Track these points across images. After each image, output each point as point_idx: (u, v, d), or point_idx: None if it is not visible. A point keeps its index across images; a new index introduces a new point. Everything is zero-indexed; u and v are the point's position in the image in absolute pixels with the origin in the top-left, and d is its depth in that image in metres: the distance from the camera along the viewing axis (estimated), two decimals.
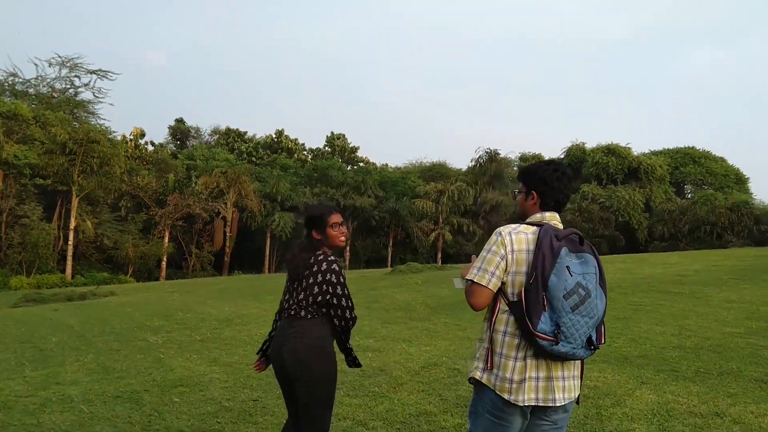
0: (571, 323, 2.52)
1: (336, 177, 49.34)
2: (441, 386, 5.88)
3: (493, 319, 2.68)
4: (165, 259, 42.19)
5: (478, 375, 2.70)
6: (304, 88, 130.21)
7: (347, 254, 48.00)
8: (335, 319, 3.54)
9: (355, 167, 58.45)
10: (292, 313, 3.50)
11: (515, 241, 2.66)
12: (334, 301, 3.50)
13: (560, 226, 2.77)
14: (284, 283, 3.66)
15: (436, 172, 58.38)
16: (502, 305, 2.67)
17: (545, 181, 2.80)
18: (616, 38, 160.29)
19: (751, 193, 57.68)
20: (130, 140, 51.91)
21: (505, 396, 2.60)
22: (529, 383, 2.60)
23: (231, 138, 60.00)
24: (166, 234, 42.18)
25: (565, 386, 2.67)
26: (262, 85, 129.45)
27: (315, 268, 3.51)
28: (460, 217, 45.95)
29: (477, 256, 2.80)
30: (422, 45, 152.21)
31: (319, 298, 3.48)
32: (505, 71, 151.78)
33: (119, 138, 49.71)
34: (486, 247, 2.72)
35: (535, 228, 2.71)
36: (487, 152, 46.52)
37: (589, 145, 56.04)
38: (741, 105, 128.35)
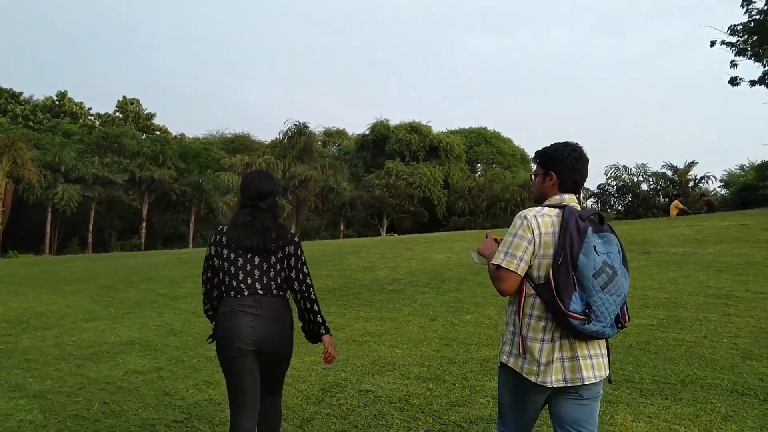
0: (601, 302, 2.58)
1: (130, 146, 45.74)
2: (361, 418, 4.47)
3: (521, 303, 2.73)
4: None
5: (504, 359, 2.79)
6: (90, 46, 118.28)
7: (143, 231, 44.14)
8: (300, 298, 3.55)
9: (152, 136, 53.92)
10: (261, 291, 3.40)
11: (541, 224, 2.70)
12: (301, 277, 3.52)
13: (578, 207, 2.79)
14: (218, 257, 3.47)
15: (240, 144, 56.28)
16: (528, 289, 2.73)
17: (564, 161, 2.83)
18: (402, 19, 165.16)
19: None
20: None
21: (532, 379, 2.67)
22: (556, 365, 2.67)
23: (3, 99, 52.32)
24: None
25: (594, 364, 2.72)
26: (39, 41, 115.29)
27: (285, 243, 3.47)
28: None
29: (490, 235, 2.99)
30: (218, 17, 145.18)
31: (285, 274, 3.48)
32: (309, 46, 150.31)
33: None
34: (511, 231, 2.74)
35: (557, 210, 2.73)
36: (296, 125, 45.43)
37: (393, 122, 56.94)
38: (519, 88, 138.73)
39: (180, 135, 58.41)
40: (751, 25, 23.05)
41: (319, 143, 59.46)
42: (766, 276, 8.79)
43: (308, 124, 47.35)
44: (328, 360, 3.62)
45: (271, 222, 3.47)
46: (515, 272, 2.67)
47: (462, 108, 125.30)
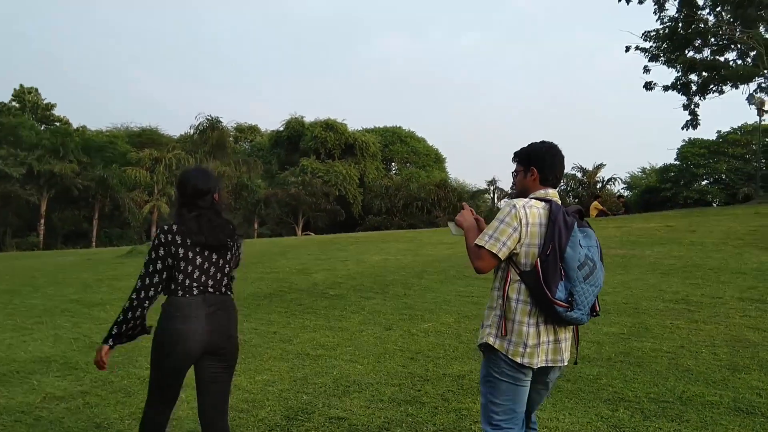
0: (582, 292, 2.75)
1: (28, 137, 42.76)
2: None
3: (506, 288, 2.85)
4: None
5: (491, 341, 2.85)
6: None
7: (41, 228, 41.30)
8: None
9: (51, 127, 50.68)
10: (211, 290, 3.23)
11: (529, 215, 2.82)
12: (234, 274, 3.48)
13: (559, 202, 2.94)
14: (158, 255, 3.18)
15: (147, 138, 53.93)
16: (513, 275, 2.85)
17: (543, 157, 3.00)
18: (320, 16, 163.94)
19: (448, 172, 62.61)
20: None
21: (518, 359, 2.79)
22: (541, 347, 2.82)
23: None
24: None
25: (566, 347, 2.92)
26: None
27: (234, 240, 3.39)
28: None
29: (466, 206, 3.22)
30: (120, 7, 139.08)
31: (234, 272, 3.45)
32: (217, 41, 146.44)
33: None
34: (499, 216, 2.86)
35: (544, 203, 2.88)
36: (208, 119, 43.77)
37: (308, 119, 55.92)
38: (431, 89, 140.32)
39: (82, 127, 55.12)
40: (666, 31, 23.77)
41: (231, 139, 57.69)
42: (714, 279, 8.72)
43: (221, 119, 45.84)
44: None
45: (218, 219, 3.32)
46: (497, 255, 2.80)
47: (376, 107, 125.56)
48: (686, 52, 24.16)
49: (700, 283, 8.55)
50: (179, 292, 3.16)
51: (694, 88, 24.55)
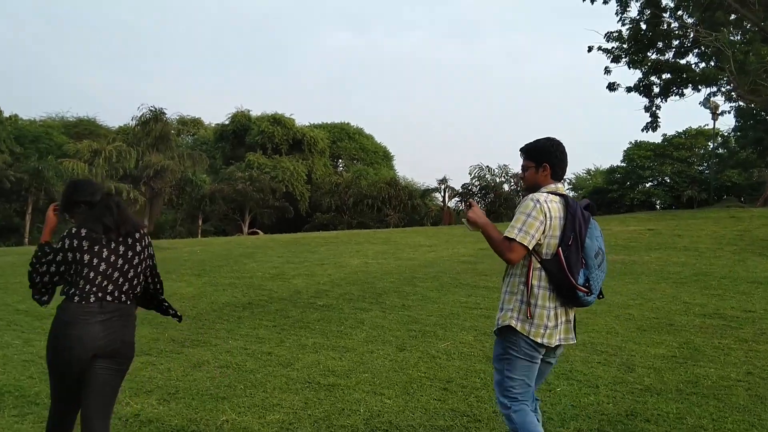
0: (596, 278, 3.05)
1: None
2: None
3: (530, 275, 3.06)
4: None
5: (513, 323, 3.06)
6: None
7: None
8: (154, 295, 3.57)
9: None
10: (108, 298, 3.18)
11: (551, 209, 3.06)
12: (158, 278, 3.55)
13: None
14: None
15: (85, 129, 51.30)
16: (535, 263, 3.06)
17: (554, 153, 3.21)
18: (260, 11, 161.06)
19: (396, 170, 61.94)
20: None
21: (538, 339, 3.03)
22: (558, 328, 3.08)
23: None
24: None
25: (574, 327, 3.20)
26: None
27: (142, 235, 3.39)
28: (118, 182, 40.44)
29: (473, 203, 3.29)
30: None
31: (143, 276, 3.40)
32: (157, 30, 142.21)
33: None
34: (524, 211, 3.06)
35: (559, 197, 3.13)
36: (151, 110, 41.53)
37: (255, 113, 54.15)
38: (376, 86, 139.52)
39: (14, 116, 51.94)
40: (630, 32, 23.53)
41: (173, 132, 55.42)
42: (732, 289, 8.15)
43: (165, 110, 43.79)
44: None
45: (126, 212, 3.36)
46: (527, 247, 3.01)
47: (322, 103, 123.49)
48: (649, 53, 24.02)
49: (721, 294, 7.94)
50: (75, 298, 3.14)
51: (656, 90, 24.46)
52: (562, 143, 3.26)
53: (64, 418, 3.31)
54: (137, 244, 3.33)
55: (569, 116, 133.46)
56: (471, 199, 3.56)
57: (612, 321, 6.97)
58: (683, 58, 24.08)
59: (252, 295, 8.93)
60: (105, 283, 3.17)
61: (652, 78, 25.00)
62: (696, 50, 22.86)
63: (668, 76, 24.43)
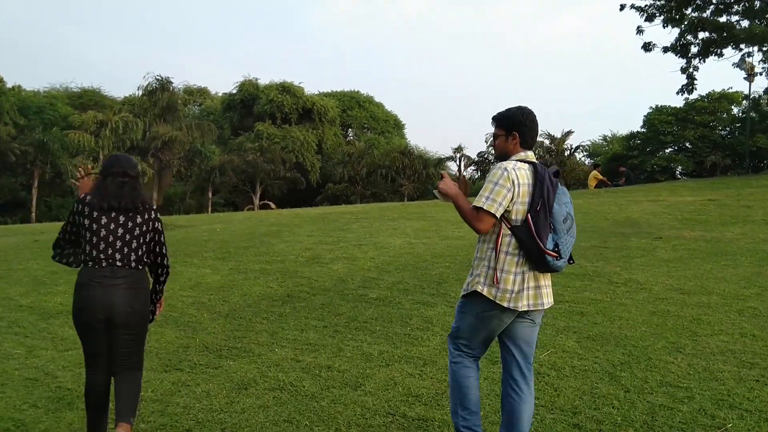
0: (565, 243, 3.10)
1: None
2: None
3: (498, 242, 3.12)
4: None
5: (479, 288, 3.13)
6: None
7: None
8: (161, 272, 3.74)
9: None
10: (119, 263, 3.47)
11: (519, 176, 3.11)
12: (165, 252, 3.72)
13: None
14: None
15: (89, 100, 50.04)
16: (504, 230, 3.13)
17: (523, 122, 3.25)
18: None
19: (407, 139, 60.45)
20: None
21: (505, 304, 3.10)
22: (525, 292, 3.13)
23: None
24: None
25: (548, 293, 3.25)
26: None
27: (149, 214, 3.64)
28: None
29: (445, 174, 3.41)
30: None
31: (149, 248, 3.65)
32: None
33: None
34: (492, 179, 3.12)
35: (528, 165, 3.19)
36: (158, 79, 40.16)
37: (263, 81, 52.49)
38: (381, 53, 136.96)
39: (17, 87, 50.42)
40: None
41: (180, 102, 53.87)
42: None
43: (172, 79, 42.31)
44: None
45: (138, 190, 3.63)
46: (494, 215, 3.08)
47: (329, 71, 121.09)
48: (687, 11, 22.42)
49: None
50: (89, 263, 3.46)
51: (694, 50, 22.90)
52: (532, 112, 3.32)
53: (94, 375, 3.56)
54: (138, 216, 3.56)
55: (583, 81, 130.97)
56: (443, 171, 3.61)
57: (737, 317, 5.73)
58: (722, 15, 22.45)
59: (289, 284, 7.71)
60: (110, 249, 3.45)
61: (688, 37, 23.42)
62: (740, 5, 21.20)
63: (706, 35, 22.85)
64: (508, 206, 3.08)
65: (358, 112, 58.44)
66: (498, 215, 3.06)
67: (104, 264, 3.43)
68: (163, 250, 3.70)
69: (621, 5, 23.51)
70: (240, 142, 45.77)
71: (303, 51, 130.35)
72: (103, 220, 3.47)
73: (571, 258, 3.20)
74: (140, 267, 3.56)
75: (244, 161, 42.20)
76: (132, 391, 3.53)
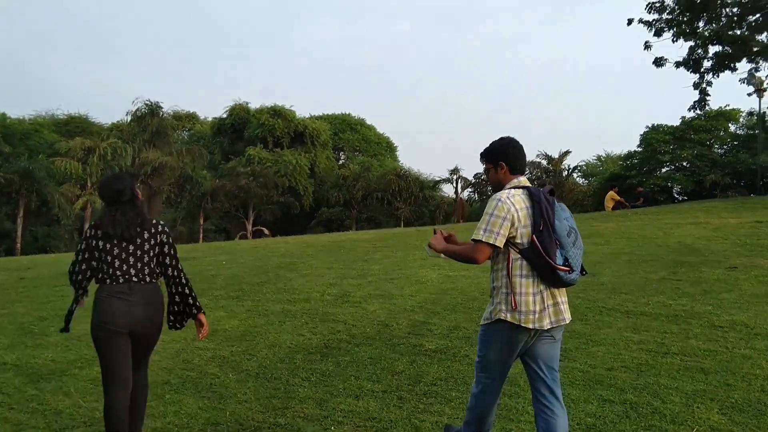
0: (574, 255, 3.17)
1: None
2: None
3: (509, 267, 3.19)
4: None
5: (502, 315, 3.18)
6: None
7: None
8: (172, 283, 3.91)
9: None
10: (135, 279, 3.69)
11: (515, 202, 3.21)
12: (174, 263, 3.89)
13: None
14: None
15: (76, 126, 48.57)
16: (513, 254, 3.20)
17: (506, 152, 3.39)
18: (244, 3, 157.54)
19: (400, 161, 59.53)
20: None
21: (530, 326, 3.14)
22: (546, 311, 3.19)
23: None
24: None
25: (566, 309, 3.30)
26: None
27: (151, 231, 3.82)
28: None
29: (439, 231, 3.54)
30: None
31: (159, 260, 3.85)
32: (146, 23, 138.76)
33: None
34: (487, 211, 3.22)
35: (522, 190, 3.28)
36: (147, 104, 38.99)
37: (254, 105, 51.45)
38: (369, 77, 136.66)
39: (1, 114, 48.93)
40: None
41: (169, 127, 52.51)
42: None
43: (162, 104, 41.10)
44: (204, 335, 4.00)
45: (132, 213, 3.81)
46: (493, 244, 3.15)
47: (318, 95, 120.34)
48: (697, 24, 21.62)
49: None
50: (107, 280, 3.69)
51: (707, 64, 22.04)
52: (514, 139, 3.44)
53: (112, 396, 3.65)
54: (138, 238, 3.76)
55: (575, 101, 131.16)
56: (436, 228, 3.68)
57: None
58: (736, 28, 21.64)
59: (323, 331, 6.48)
60: (124, 266, 3.70)
61: (698, 51, 22.60)
62: (755, 17, 20.35)
63: (718, 48, 22.02)
64: (510, 233, 3.17)
65: (350, 135, 57.43)
66: (498, 244, 3.16)
67: (121, 281, 3.67)
68: (174, 261, 3.88)
69: (629, 20, 22.68)
70: (232, 167, 44.51)
71: (291, 75, 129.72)
72: (110, 246, 3.71)
73: (583, 269, 3.26)
74: (154, 280, 3.80)
75: (236, 186, 40.91)
76: (143, 400, 3.89)
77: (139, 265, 3.71)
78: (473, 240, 3.20)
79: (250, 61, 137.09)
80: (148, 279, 3.73)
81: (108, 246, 3.69)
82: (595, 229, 12.49)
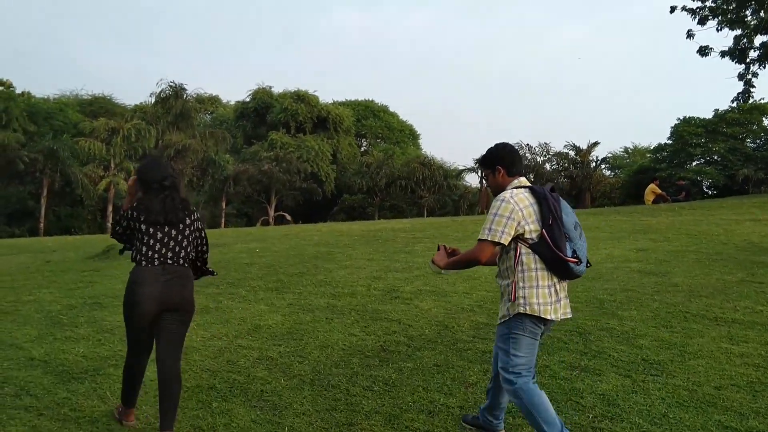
0: (581, 248, 3.29)
1: None
2: None
3: (519, 263, 3.28)
4: None
5: (521, 310, 3.25)
6: None
7: None
8: (201, 258, 4.13)
9: None
10: (170, 261, 3.78)
11: (518, 200, 3.30)
12: (206, 247, 4.12)
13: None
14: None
15: (100, 107, 48.26)
16: (523, 249, 3.29)
17: (500, 155, 3.50)
18: None
19: (422, 149, 58.79)
20: None
21: (548, 316, 3.25)
22: (560, 303, 3.32)
23: None
24: None
25: (569, 303, 3.44)
26: None
27: (192, 216, 3.95)
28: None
29: (443, 246, 3.66)
30: None
31: (195, 244, 4.01)
32: (167, 5, 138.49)
33: None
34: (492, 211, 3.31)
35: (524, 188, 3.38)
36: (171, 86, 38.46)
37: (277, 89, 50.83)
38: (390, 64, 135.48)
39: (26, 93, 48.71)
40: None
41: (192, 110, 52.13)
42: None
43: (186, 86, 40.65)
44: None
45: (178, 198, 3.90)
46: (498, 242, 3.25)
47: (340, 81, 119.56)
48: (744, 12, 20.67)
49: None
50: (142, 262, 3.76)
51: (754, 54, 21.12)
52: (507, 143, 3.57)
53: (137, 362, 3.87)
54: (186, 228, 3.89)
55: (603, 92, 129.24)
56: (440, 243, 3.75)
57: None
58: None
59: (377, 331, 5.89)
60: (163, 250, 3.78)
61: (744, 41, 21.65)
62: None
63: (766, 38, 21.07)
64: (517, 230, 3.26)
65: (372, 121, 56.76)
66: (503, 242, 3.25)
67: (156, 263, 3.75)
68: (206, 248, 4.12)
69: (671, 7, 21.81)
70: (254, 151, 44.06)
71: (315, 60, 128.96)
72: (153, 231, 3.79)
73: (588, 261, 3.35)
74: (186, 263, 3.90)
75: (259, 171, 40.44)
76: (175, 402, 3.77)
77: (177, 248, 3.82)
78: (478, 240, 3.31)
79: (274, 46, 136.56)
80: (181, 262, 3.84)
81: (151, 230, 3.79)
82: (646, 223, 11.78)
